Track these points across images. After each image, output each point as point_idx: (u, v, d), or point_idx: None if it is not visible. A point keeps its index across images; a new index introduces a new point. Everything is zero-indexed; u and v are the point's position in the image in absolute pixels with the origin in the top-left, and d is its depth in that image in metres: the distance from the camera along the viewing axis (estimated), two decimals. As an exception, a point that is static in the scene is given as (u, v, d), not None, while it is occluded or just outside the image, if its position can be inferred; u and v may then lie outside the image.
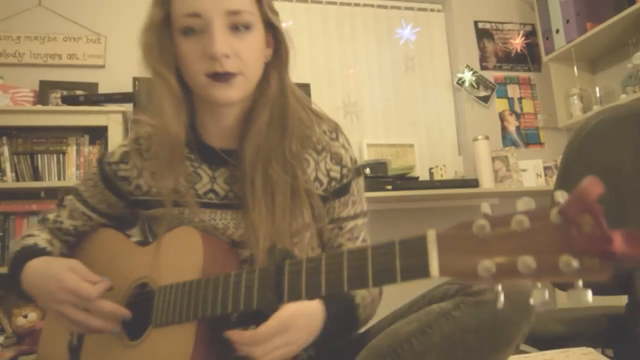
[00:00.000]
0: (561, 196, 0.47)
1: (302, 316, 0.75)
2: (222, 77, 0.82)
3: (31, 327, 2.12)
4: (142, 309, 0.86)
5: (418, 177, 2.71)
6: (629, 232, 0.44)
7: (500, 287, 0.51)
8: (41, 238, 0.98)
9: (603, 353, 1.47)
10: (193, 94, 0.89)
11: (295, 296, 0.67)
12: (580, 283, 0.46)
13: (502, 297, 0.51)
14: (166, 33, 0.86)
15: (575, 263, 0.45)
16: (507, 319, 0.72)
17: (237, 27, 0.82)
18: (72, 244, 1.03)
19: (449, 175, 2.79)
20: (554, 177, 2.75)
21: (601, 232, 0.44)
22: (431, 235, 0.55)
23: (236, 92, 0.84)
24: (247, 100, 0.90)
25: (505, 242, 0.49)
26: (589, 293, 0.46)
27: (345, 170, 0.95)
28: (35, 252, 0.92)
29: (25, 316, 2.13)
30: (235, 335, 0.73)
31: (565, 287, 0.51)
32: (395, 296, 1.09)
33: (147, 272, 0.89)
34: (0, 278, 2.20)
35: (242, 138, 0.90)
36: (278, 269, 0.68)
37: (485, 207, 0.53)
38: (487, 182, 2.68)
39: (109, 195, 0.98)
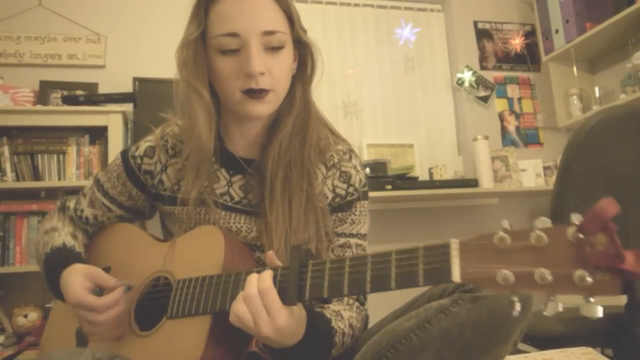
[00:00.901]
0: (576, 219, 0.51)
1: (297, 322, 0.73)
2: (256, 94, 0.87)
3: (31, 326, 2.12)
4: (158, 302, 0.88)
5: (418, 177, 2.72)
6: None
7: (516, 297, 0.54)
8: (65, 232, 1.01)
9: (602, 353, 1.47)
10: (221, 105, 0.95)
11: (317, 294, 0.68)
12: (592, 298, 0.50)
13: (518, 306, 0.54)
14: (201, 49, 0.90)
15: (588, 278, 0.49)
16: (504, 315, 0.73)
17: (272, 47, 0.87)
18: (90, 234, 1.07)
19: (448, 175, 2.80)
20: (554, 177, 2.75)
21: (615, 250, 0.48)
22: (454, 243, 0.58)
23: (268, 107, 0.90)
24: (273, 113, 0.94)
25: (524, 254, 0.53)
26: (600, 308, 0.49)
27: (351, 189, 0.98)
28: (66, 255, 0.94)
29: (25, 316, 2.13)
30: (264, 279, 0.70)
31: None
32: (395, 298, 1.09)
33: (165, 266, 0.91)
34: (1, 278, 2.22)
35: (264, 147, 0.95)
36: (301, 267, 0.70)
37: (505, 223, 0.56)
38: (486, 182, 2.68)
39: (131, 188, 1.02)
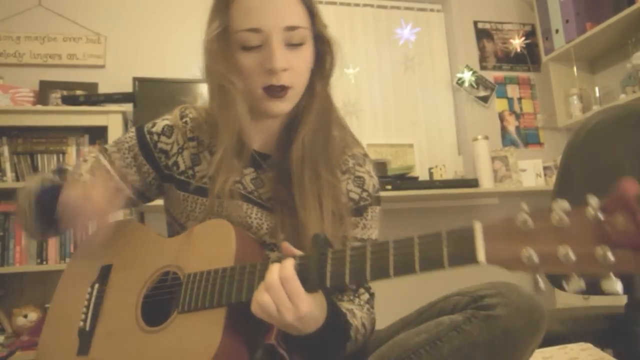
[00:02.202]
0: (591, 198, 0.53)
1: (319, 308, 0.73)
2: (276, 92, 0.87)
3: (31, 326, 2.12)
4: (165, 298, 0.86)
5: (418, 177, 2.72)
6: None
7: (539, 276, 0.55)
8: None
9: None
10: None
11: (338, 281, 0.68)
12: (612, 274, 0.51)
13: (542, 285, 0.55)
14: (226, 44, 0.88)
15: (611, 256, 0.51)
16: (518, 335, 0.72)
17: (293, 43, 0.87)
18: None
19: (448, 175, 2.79)
20: (554, 177, 2.75)
21: (636, 227, 0.50)
22: (477, 225, 0.60)
23: (288, 105, 0.90)
24: (291, 109, 0.93)
25: (547, 235, 0.55)
26: (620, 283, 0.51)
27: (365, 194, 0.97)
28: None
29: (25, 316, 2.13)
30: (285, 267, 0.70)
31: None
32: (403, 304, 1.08)
33: (173, 261, 0.88)
34: (1, 278, 2.22)
35: (280, 144, 0.95)
36: (321, 255, 0.70)
37: (524, 206, 0.58)
38: (486, 182, 2.68)
39: (142, 163, 0.99)
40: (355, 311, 0.87)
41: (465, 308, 0.76)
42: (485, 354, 0.72)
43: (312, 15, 0.90)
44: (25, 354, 1.91)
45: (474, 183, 2.65)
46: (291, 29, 0.86)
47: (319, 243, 0.71)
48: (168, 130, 0.97)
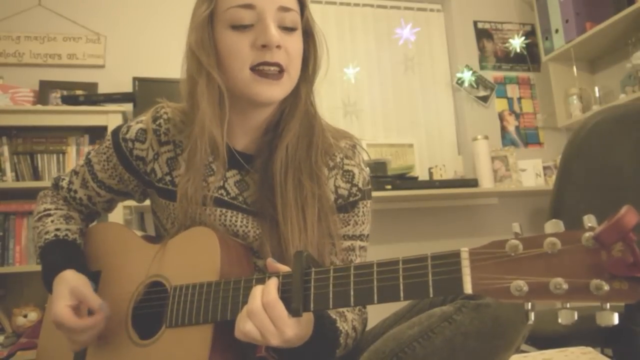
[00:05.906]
0: (589, 220, 0.50)
1: (305, 327, 0.72)
2: (270, 73, 0.82)
3: (30, 327, 2.12)
4: (154, 307, 0.86)
5: (417, 177, 2.71)
6: None
7: (530, 305, 0.52)
8: (58, 215, 0.98)
9: (602, 352, 1.47)
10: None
11: (322, 305, 0.66)
12: (608, 305, 0.49)
13: (532, 316, 0.52)
14: (210, 31, 0.85)
15: (606, 287, 0.48)
16: (508, 322, 0.72)
17: (285, 26, 0.84)
18: (85, 215, 1.04)
19: (448, 175, 2.80)
20: (553, 177, 2.75)
21: (634, 259, 0.46)
22: (464, 252, 0.56)
23: (280, 91, 0.84)
24: (276, 109, 0.90)
25: (538, 262, 0.51)
26: (616, 315, 0.49)
27: (354, 190, 0.93)
28: (58, 257, 0.91)
29: (25, 316, 2.13)
30: (268, 292, 0.67)
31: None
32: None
33: (159, 271, 0.88)
34: (1, 278, 2.22)
35: (262, 145, 0.91)
36: (304, 275, 0.68)
37: (516, 227, 0.54)
38: (486, 182, 2.68)
39: (122, 172, 0.97)
40: (346, 314, 0.86)
41: (456, 298, 0.77)
42: (476, 342, 0.73)
43: (302, 5, 0.88)
44: (25, 354, 1.90)
45: (473, 183, 2.65)
46: (285, 9, 0.83)
47: (302, 262, 0.68)
48: (142, 135, 0.93)
